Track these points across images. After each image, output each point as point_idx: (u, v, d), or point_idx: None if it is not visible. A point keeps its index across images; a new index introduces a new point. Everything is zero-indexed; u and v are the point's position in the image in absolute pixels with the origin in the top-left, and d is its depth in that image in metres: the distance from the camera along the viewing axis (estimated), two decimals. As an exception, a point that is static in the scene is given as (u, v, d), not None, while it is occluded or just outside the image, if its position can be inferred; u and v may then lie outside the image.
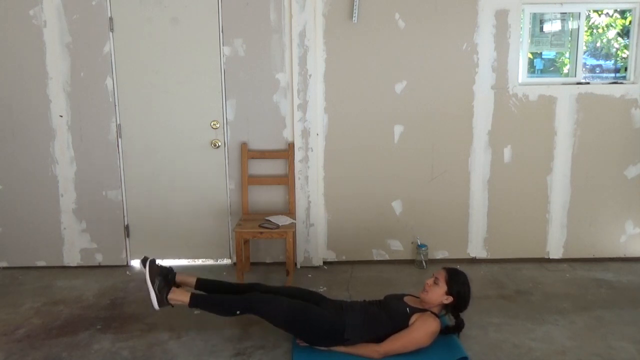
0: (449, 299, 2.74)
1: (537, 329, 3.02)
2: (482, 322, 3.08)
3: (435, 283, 2.77)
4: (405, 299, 2.87)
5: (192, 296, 2.78)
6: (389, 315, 2.74)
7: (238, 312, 2.77)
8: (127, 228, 4.03)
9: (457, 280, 2.78)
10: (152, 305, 2.76)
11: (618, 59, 6.70)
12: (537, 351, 2.78)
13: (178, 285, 2.90)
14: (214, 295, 2.91)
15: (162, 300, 2.76)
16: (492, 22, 3.80)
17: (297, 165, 3.90)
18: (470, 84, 3.87)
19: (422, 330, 2.66)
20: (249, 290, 2.91)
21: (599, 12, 6.45)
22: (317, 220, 3.97)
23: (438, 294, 2.75)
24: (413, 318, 2.70)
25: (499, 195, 4.00)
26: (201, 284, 2.98)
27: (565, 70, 5.05)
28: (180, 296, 2.78)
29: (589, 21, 6.09)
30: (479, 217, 4.02)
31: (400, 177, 3.98)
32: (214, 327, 3.02)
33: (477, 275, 3.80)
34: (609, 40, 6.82)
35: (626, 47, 6.23)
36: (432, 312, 2.75)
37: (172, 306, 2.81)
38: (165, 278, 2.84)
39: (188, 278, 2.98)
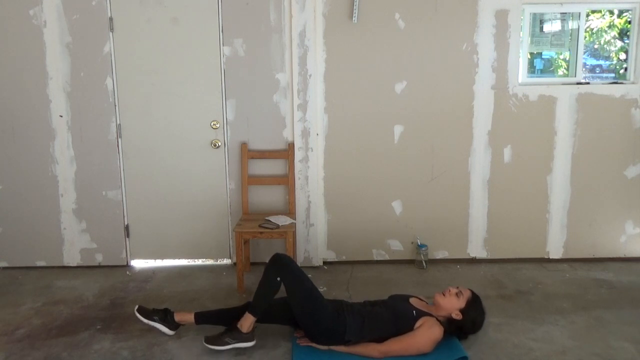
0: (459, 316, 2.74)
1: (537, 329, 3.02)
2: (482, 322, 3.08)
3: (457, 295, 2.78)
4: (411, 300, 2.87)
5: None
6: (394, 316, 2.74)
7: (279, 279, 2.75)
8: (127, 228, 4.03)
9: (477, 307, 2.80)
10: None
11: (615, 61, 6.71)
12: (537, 351, 2.78)
13: (178, 325, 2.94)
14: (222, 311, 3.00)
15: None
16: (492, 22, 3.80)
17: (297, 165, 3.90)
18: (470, 84, 3.87)
19: (426, 337, 2.66)
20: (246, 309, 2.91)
21: (600, 12, 6.46)
22: (317, 220, 3.97)
23: (453, 306, 2.75)
24: (419, 322, 2.70)
25: (499, 195, 4.00)
26: (200, 317, 2.94)
27: (561, 72, 5.06)
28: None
29: (589, 19, 6.10)
30: (479, 217, 4.02)
31: (400, 177, 3.98)
32: (214, 327, 3.01)
33: (477, 275, 3.80)
34: (606, 42, 6.83)
35: (622, 49, 6.24)
36: (437, 319, 2.75)
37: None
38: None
39: (186, 316, 2.94)
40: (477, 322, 2.79)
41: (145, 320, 2.89)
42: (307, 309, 2.72)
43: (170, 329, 2.90)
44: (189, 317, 2.91)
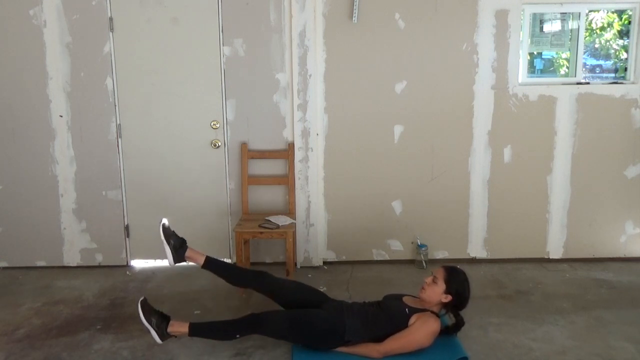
0: (447, 298, 2.74)
1: (537, 329, 3.02)
2: (482, 322, 3.08)
3: (434, 282, 2.76)
4: (404, 299, 2.86)
5: (191, 326, 2.76)
6: (388, 316, 2.73)
7: (238, 336, 2.75)
8: (127, 228, 4.03)
9: (456, 278, 2.77)
10: (155, 341, 2.75)
11: (617, 59, 6.70)
12: (537, 351, 2.78)
13: (168, 337, 2.82)
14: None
15: (163, 334, 2.75)
16: (492, 22, 3.80)
17: (297, 165, 3.90)
18: (470, 84, 3.87)
19: (422, 331, 2.66)
20: (256, 277, 2.97)
21: (596, 11, 6.45)
22: (317, 220, 3.97)
23: (437, 293, 2.75)
24: (413, 318, 2.70)
25: (499, 195, 4.00)
26: (209, 262, 2.97)
27: (562, 72, 5.05)
28: (179, 328, 2.76)
29: (589, 21, 6.08)
30: (479, 217, 4.02)
31: (400, 177, 3.98)
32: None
33: (477, 275, 3.80)
34: (607, 41, 6.82)
35: (624, 48, 6.23)
36: (432, 312, 2.75)
37: (176, 337, 2.80)
38: (161, 315, 2.80)
39: (197, 255, 2.97)
40: (462, 291, 2.76)
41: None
42: (300, 335, 2.72)
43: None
44: (200, 257, 2.95)
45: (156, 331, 2.73)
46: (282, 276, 3.72)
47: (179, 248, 2.92)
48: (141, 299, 2.85)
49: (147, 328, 2.77)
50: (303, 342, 2.76)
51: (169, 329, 2.74)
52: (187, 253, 2.95)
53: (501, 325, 3.05)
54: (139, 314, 2.80)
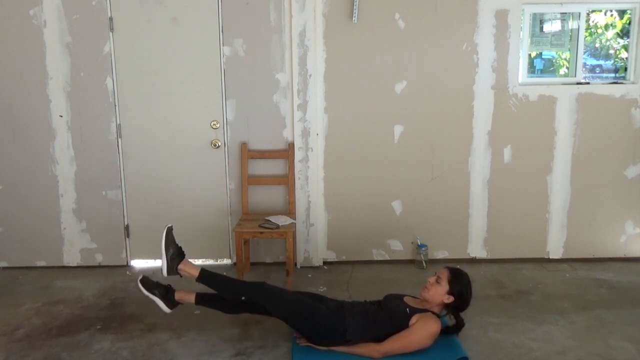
0: (450, 299, 2.74)
1: (537, 329, 3.02)
2: (482, 322, 3.08)
3: (437, 282, 2.77)
4: (405, 299, 2.86)
5: (202, 271, 2.85)
6: (389, 316, 2.73)
7: (243, 298, 2.81)
8: (127, 228, 4.03)
9: (459, 280, 2.78)
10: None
11: (617, 59, 6.70)
12: (537, 351, 2.78)
13: (177, 304, 2.95)
14: (224, 276, 2.94)
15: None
16: (492, 22, 3.80)
17: (297, 165, 3.90)
18: (470, 84, 3.87)
19: (423, 331, 2.66)
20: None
21: (598, 11, 6.45)
22: (317, 220, 3.97)
23: (439, 293, 2.75)
24: (414, 319, 2.70)
25: (499, 195, 4.00)
26: (204, 275, 2.92)
27: (562, 72, 5.05)
28: (190, 269, 2.87)
29: (589, 21, 6.07)
30: (479, 217, 4.02)
31: (400, 177, 3.98)
32: (214, 327, 3.02)
33: (477, 275, 3.80)
34: (607, 41, 6.82)
35: (625, 47, 6.23)
36: (433, 313, 2.75)
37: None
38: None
39: (192, 268, 2.91)
40: (464, 293, 2.77)
41: (146, 292, 2.89)
42: (300, 321, 2.73)
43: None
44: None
45: (167, 262, 2.85)
46: (282, 276, 3.74)
47: (174, 258, 2.88)
48: (139, 277, 2.94)
49: (152, 300, 2.88)
50: (301, 331, 2.77)
51: (180, 266, 2.88)
52: (181, 265, 2.88)
53: (501, 325, 3.05)
54: (140, 290, 2.90)
